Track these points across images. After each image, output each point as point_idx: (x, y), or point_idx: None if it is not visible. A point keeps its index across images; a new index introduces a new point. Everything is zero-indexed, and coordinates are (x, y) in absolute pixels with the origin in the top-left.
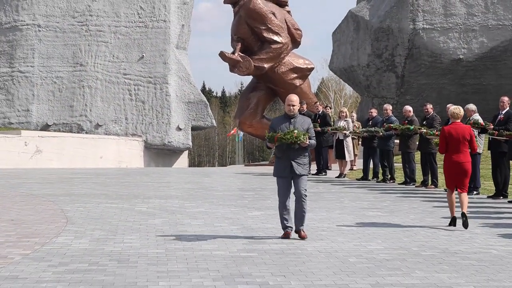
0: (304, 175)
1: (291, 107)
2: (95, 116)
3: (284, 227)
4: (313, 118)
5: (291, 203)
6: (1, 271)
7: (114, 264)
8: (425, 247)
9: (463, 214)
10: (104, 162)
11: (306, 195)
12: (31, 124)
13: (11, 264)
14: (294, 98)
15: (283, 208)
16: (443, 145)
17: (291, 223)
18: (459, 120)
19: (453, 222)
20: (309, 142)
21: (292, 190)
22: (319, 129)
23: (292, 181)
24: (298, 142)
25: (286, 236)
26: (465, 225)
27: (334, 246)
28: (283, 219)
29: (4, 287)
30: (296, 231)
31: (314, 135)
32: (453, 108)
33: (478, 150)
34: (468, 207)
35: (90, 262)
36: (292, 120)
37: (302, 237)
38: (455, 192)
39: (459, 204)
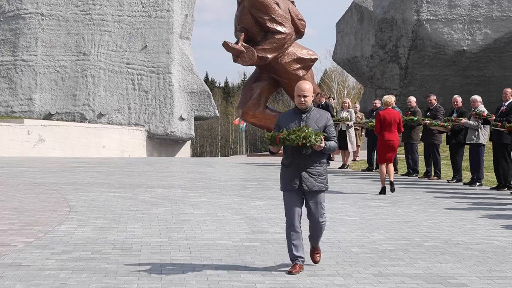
0: (320, 191)
1: (302, 99)
2: (98, 106)
3: (293, 258)
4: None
5: (305, 223)
6: (4, 259)
7: (117, 253)
8: (427, 238)
9: (391, 183)
10: (106, 152)
11: (323, 221)
12: (34, 113)
13: (14, 252)
14: (305, 86)
15: (291, 231)
16: (378, 126)
17: (302, 252)
18: (390, 107)
19: (383, 191)
20: (326, 144)
21: (305, 211)
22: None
23: (304, 198)
24: (309, 144)
25: (294, 271)
26: (392, 190)
27: (336, 236)
28: (291, 247)
29: (8, 274)
30: (310, 251)
31: (334, 134)
32: (386, 97)
33: (482, 142)
34: (471, 198)
35: (93, 250)
36: (304, 116)
37: (315, 261)
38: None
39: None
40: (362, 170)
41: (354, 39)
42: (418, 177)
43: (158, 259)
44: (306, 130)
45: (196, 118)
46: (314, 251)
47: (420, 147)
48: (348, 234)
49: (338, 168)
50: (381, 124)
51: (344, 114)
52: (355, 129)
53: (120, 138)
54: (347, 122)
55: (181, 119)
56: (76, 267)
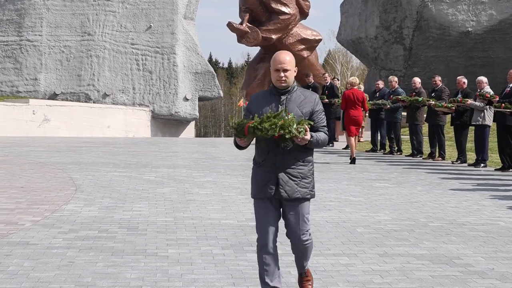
0: (303, 199)
1: (282, 74)
2: (102, 86)
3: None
4: (322, 90)
5: (283, 243)
6: (12, 237)
7: (124, 232)
8: (432, 218)
9: (353, 159)
10: (111, 132)
11: (308, 239)
12: (39, 93)
13: (22, 230)
14: (285, 57)
15: (263, 253)
16: (344, 103)
17: (279, 281)
18: (356, 87)
19: (353, 161)
20: (312, 136)
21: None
22: (327, 100)
23: (281, 208)
24: (289, 136)
25: None
26: (354, 161)
27: (342, 216)
28: (263, 274)
29: (16, 252)
30: (298, 279)
31: (324, 123)
32: (351, 78)
33: (487, 123)
34: (476, 179)
35: (100, 229)
36: (283, 98)
37: None
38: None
39: None
40: (366, 151)
41: (359, 20)
42: (423, 158)
43: (164, 238)
44: (286, 117)
45: (200, 99)
46: (303, 278)
47: (425, 128)
48: (353, 214)
49: (343, 148)
50: (347, 102)
51: None
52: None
53: (124, 118)
54: None
55: (185, 99)
56: (83, 245)
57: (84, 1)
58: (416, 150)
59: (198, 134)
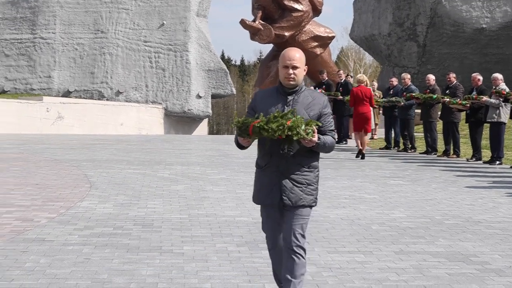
0: (304, 206)
1: (291, 71)
2: (115, 83)
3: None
4: (336, 87)
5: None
6: (28, 234)
7: (139, 229)
8: (448, 216)
9: (363, 155)
10: (124, 129)
11: (300, 254)
12: (52, 90)
13: (38, 227)
14: (294, 54)
15: (273, 252)
16: (352, 100)
17: None
18: (363, 84)
19: (360, 155)
20: (320, 138)
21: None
22: (341, 97)
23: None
24: (296, 137)
25: None
26: (362, 156)
27: (356, 213)
28: (277, 277)
29: (32, 249)
30: None
31: (332, 127)
32: (359, 76)
33: (503, 120)
34: (491, 176)
35: (115, 226)
36: (290, 98)
37: None
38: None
39: None
40: (380, 149)
41: (372, 17)
42: (437, 156)
43: (179, 235)
44: (293, 118)
45: (213, 96)
46: None
47: (439, 125)
48: (368, 212)
49: (356, 146)
50: (355, 99)
51: None
52: (373, 108)
53: (137, 116)
54: None
55: (198, 97)
56: (99, 242)
57: None
58: (431, 148)
59: (211, 132)
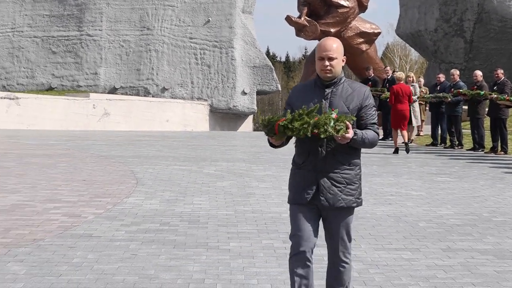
0: (348, 208)
1: (327, 62)
2: (161, 80)
3: None
4: (382, 83)
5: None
6: (76, 229)
7: (185, 225)
8: (496, 213)
9: (406, 144)
10: (170, 126)
11: (347, 261)
12: (99, 87)
13: (85, 223)
14: (331, 44)
15: (296, 262)
16: (392, 98)
17: None
18: (402, 82)
19: (396, 151)
20: (357, 133)
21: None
22: (387, 93)
23: (321, 218)
24: (324, 135)
25: None
26: (407, 151)
27: (403, 210)
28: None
29: (79, 244)
30: None
31: (374, 120)
32: (398, 73)
33: None
34: None
35: (162, 222)
36: (328, 91)
37: None
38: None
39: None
40: (427, 145)
41: (418, 12)
42: (484, 152)
43: (225, 231)
44: (327, 112)
45: (258, 93)
46: None
47: (486, 121)
48: (415, 209)
49: (402, 143)
50: (395, 96)
51: None
52: (419, 104)
53: (183, 112)
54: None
55: (243, 93)
56: (146, 238)
57: None
58: (478, 144)
59: (256, 128)
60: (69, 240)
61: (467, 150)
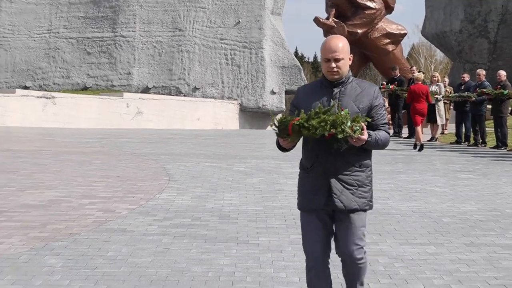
0: (360, 210)
1: (333, 64)
2: (193, 80)
3: None
4: (407, 83)
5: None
6: (110, 224)
7: (216, 220)
8: None
9: (421, 146)
10: (201, 124)
11: (362, 258)
12: (132, 86)
13: (119, 218)
14: (337, 43)
15: (313, 277)
16: (410, 97)
17: None
18: (420, 82)
19: (421, 148)
20: (370, 135)
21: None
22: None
23: (333, 222)
24: (341, 135)
25: None
26: (419, 148)
27: (427, 206)
28: None
29: (114, 238)
30: None
31: (384, 120)
32: (416, 74)
33: None
34: None
35: (193, 217)
36: (336, 91)
37: None
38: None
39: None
40: (451, 143)
41: (443, 13)
42: (507, 150)
43: (254, 227)
44: (338, 113)
45: (287, 92)
46: None
47: (510, 120)
48: (439, 205)
49: (427, 140)
50: (413, 95)
51: (434, 88)
52: (444, 103)
53: (213, 111)
54: (437, 96)
55: (272, 93)
56: (178, 233)
57: None
58: (501, 142)
59: None
60: (104, 234)
61: (491, 148)
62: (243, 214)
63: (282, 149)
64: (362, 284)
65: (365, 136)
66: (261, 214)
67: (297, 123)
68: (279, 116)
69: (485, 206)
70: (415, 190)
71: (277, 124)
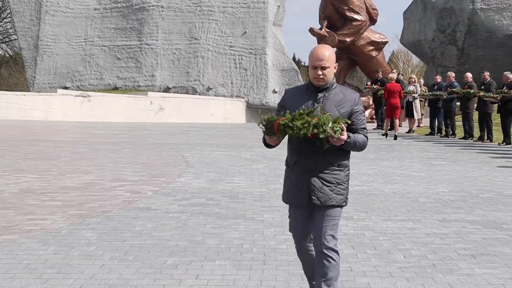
0: (334, 206)
1: (319, 72)
2: (206, 81)
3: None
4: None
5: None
6: (137, 203)
7: (227, 200)
8: (483, 191)
9: (395, 136)
10: (213, 118)
11: (332, 250)
12: (155, 87)
13: (145, 198)
14: (324, 52)
15: (301, 255)
16: (386, 93)
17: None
18: (394, 81)
19: (385, 136)
20: (350, 136)
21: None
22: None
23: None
24: (323, 135)
25: None
26: (395, 137)
27: (406, 188)
28: (306, 274)
29: (140, 215)
30: None
31: (363, 125)
32: (390, 74)
33: None
34: None
35: (207, 197)
36: (320, 96)
37: None
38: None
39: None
40: (426, 135)
41: (419, 25)
42: (473, 141)
43: (259, 206)
44: (320, 114)
45: None
46: None
47: (475, 115)
48: (416, 187)
49: (405, 132)
50: (388, 92)
51: (411, 87)
52: (420, 100)
53: (224, 108)
54: (413, 94)
55: (274, 92)
56: (194, 211)
57: (191, 12)
58: (468, 134)
59: None
60: (132, 212)
61: (459, 139)
62: (249, 195)
63: (268, 145)
64: (326, 282)
65: (344, 137)
66: (265, 195)
67: (283, 122)
68: (267, 116)
69: (455, 188)
70: (396, 174)
71: (264, 123)
